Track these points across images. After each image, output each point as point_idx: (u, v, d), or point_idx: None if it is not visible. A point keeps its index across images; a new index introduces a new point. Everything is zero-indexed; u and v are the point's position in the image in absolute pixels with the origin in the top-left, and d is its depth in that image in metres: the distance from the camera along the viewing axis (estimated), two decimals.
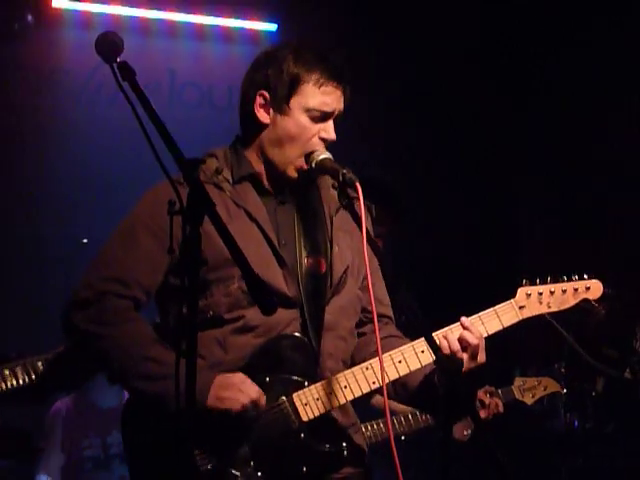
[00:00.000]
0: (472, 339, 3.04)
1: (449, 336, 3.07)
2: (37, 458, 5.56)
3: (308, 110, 3.08)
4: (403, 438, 4.70)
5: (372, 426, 4.61)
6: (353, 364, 3.16)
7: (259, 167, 3.17)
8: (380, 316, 3.23)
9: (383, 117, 6.33)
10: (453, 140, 6.64)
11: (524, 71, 6.68)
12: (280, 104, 3.10)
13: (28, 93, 6.42)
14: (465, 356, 3.05)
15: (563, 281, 3.26)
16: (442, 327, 3.12)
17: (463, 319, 3.08)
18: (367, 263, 2.91)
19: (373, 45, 6.59)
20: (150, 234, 3.04)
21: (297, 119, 3.08)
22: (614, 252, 6.02)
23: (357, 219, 2.95)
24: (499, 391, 4.96)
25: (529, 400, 5.05)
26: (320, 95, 3.09)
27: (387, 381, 3.03)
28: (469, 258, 6.33)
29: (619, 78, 6.16)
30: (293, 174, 3.12)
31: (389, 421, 2.97)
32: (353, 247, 3.21)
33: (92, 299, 3.01)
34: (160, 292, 3.10)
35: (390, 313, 3.37)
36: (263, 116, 3.13)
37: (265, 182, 3.17)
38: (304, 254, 3.14)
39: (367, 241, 2.91)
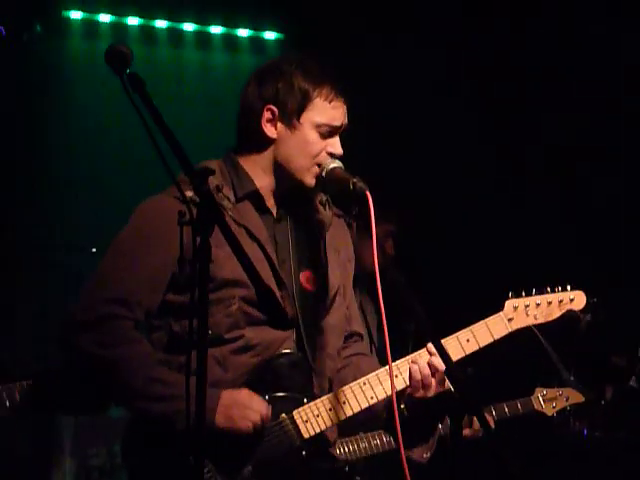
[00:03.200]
0: (440, 365, 3.06)
1: (419, 361, 3.11)
2: (49, 465, 5.58)
3: (318, 126, 3.06)
4: None
5: (380, 436, 4.56)
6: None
7: (263, 182, 3.12)
8: (353, 334, 3.31)
9: (382, 119, 6.34)
10: (457, 141, 6.65)
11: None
12: (290, 119, 3.06)
13: (37, 102, 6.44)
14: (433, 381, 3.10)
15: (547, 293, 3.28)
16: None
17: (429, 345, 3.09)
18: (377, 272, 2.89)
19: (379, 53, 6.59)
20: (151, 252, 3.00)
21: (306, 135, 3.06)
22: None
23: (369, 228, 2.92)
24: (517, 403, 4.91)
25: (550, 411, 4.95)
26: (330, 110, 3.07)
27: (376, 400, 3.09)
28: (469, 258, 6.34)
29: None
30: (311, 181, 3.10)
31: (399, 429, 2.96)
32: (341, 265, 3.22)
33: (95, 321, 2.94)
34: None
35: (361, 330, 3.39)
36: (270, 131, 3.09)
37: (266, 199, 3.14)
38: (299, 273, 3.15)
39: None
